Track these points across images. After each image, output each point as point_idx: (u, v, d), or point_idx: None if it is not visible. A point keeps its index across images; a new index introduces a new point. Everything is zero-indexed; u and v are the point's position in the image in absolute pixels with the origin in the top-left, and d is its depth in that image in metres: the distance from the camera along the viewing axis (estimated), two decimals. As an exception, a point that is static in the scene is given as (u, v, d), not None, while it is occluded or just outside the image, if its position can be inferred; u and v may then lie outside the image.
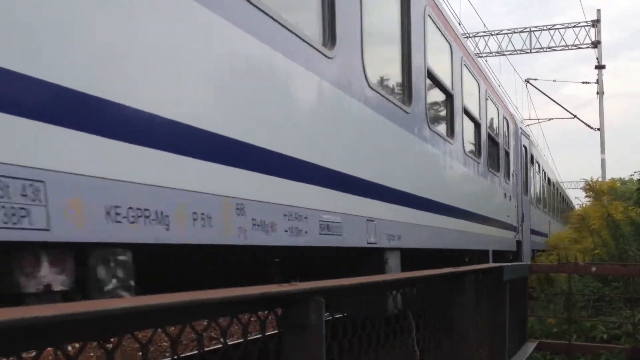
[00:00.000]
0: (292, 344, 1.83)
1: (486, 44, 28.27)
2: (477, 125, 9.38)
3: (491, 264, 4.78)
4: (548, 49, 28.14)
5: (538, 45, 27.91)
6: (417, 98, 6.27)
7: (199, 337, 1.52)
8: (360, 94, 4.83)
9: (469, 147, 8.82)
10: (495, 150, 10.69)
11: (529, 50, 27.91)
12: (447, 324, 3.73)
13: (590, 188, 11.56)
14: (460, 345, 3.74)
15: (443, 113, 7.74)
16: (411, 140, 6.13)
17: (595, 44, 27.70)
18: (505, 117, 12.06)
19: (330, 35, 4.37)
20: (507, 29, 28.33)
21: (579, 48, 28.04)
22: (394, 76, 6.04)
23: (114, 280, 2.45)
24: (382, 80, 5.64)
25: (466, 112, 8.55)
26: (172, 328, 1.48)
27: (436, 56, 7.11)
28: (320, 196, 4.10)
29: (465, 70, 8.51)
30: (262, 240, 3.34)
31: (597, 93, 28.47)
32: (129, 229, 2.43)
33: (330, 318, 2.13)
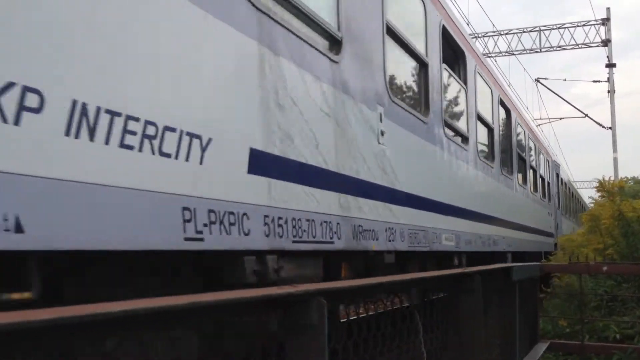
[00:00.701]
0: (294, 345, 1.84)
1: (495, 44, 28.20)
2: (535, 172, 14.43)
3: (499, 265, 4.77)
4: (558, 48, 28.01)
5: (548, 45, 27.79)
6: (497, 159, 9.71)
7: (204, 339, 1.54)
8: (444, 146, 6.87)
9: (534, 187, 14.21)
10: (542, 184, 15.82)
11: (538, 50, 27.79)
12: (455, 325, 3.73)
13: (603, 187, 11.49)
14: (468, 346, 3.74)
15: (515, 167, 11.57)
16: (499, 186, 9.93)
17: (606, 42, 27.53)
18: (548, 160, 17.33)
19: (425, 107, 6.20)
20: (517, 29, 28.23)
21: (589, 47, 27.89)
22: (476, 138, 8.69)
23: None
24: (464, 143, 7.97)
25: (532, 168, 14.09)
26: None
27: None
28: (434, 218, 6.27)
29: (530, 141, 13.95)
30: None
31: (608, 91, 28.29)
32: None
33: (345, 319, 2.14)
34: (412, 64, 6.16)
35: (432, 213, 6.12)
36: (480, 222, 8.29)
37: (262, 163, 3.08)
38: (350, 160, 4.20)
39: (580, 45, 27.77)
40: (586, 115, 31.48)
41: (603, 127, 29.92)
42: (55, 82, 2.05)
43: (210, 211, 2.58)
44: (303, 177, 3.49)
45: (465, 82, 8.01)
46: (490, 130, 9.54)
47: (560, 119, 44.09)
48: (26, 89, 1.93)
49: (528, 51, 27.77)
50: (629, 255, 9.21)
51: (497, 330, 4.78)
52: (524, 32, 27.91)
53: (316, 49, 3.84)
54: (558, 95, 32.45)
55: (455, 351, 3.72)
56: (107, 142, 2.20)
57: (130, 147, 2.29)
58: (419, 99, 6.29)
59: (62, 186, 1.99)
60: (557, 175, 20.48)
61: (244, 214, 2.81)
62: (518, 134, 12.28)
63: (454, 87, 7.75)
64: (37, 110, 1.96)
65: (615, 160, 28.01)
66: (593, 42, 27.66)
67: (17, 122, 1.89)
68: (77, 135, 2.09)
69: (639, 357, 6.12)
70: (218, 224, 2.60)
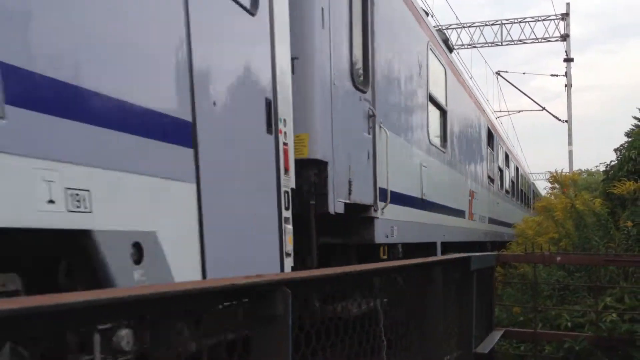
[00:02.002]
0: (259, 335, 1.86)
1: (458, 36, 28.50)
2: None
3: (458, 255, 4.87)
4: (519, 42, 28.46)
5: (509, 38, 28.22)
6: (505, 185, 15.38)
7: (168, 329, 1.54)
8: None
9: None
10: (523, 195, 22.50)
11: (500, 43, 28.20)
12: (416, 314, 3.80)
13: (555, 179, 11.82)
14: (428, 334, 3.82)
15: (516, 191, 18.36)
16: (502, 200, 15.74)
17: (564, 37, 28.08)
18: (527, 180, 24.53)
19: (443, 140, 9.40)
20: (479, 22, 28.59)
21: (549, 41, 28.42)
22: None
23: None
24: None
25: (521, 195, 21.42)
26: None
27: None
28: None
29: (522, 179, 22.37)
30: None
31: (566, 85, 28.90)
32: None
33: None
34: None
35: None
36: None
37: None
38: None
39: (540, 40, 28.28)
40: (544, 108, 32.15)
41: (560, 120, 30.59)
42: None
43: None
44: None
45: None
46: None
47: (519, 111, 44.89)
48: None
49: (490, 44, 28.16)
50: (580, 246, 9.49)
51: (455, 318, 4.88)
52: (486, 25, 28.27)
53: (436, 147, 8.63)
54: (517, 89, 33.09)
55: (415, 339, 3.79)
56: None
57: None
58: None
59: None
60: (533, 185, 23.86)
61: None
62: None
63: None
64: None
65: (570, 152, 28.70)
66: (552, 37, 28.19)
67: None
68: None
69: (590, 345, 6.33)
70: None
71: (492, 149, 15.50)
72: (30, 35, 2.33)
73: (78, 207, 2.39)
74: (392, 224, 6.94)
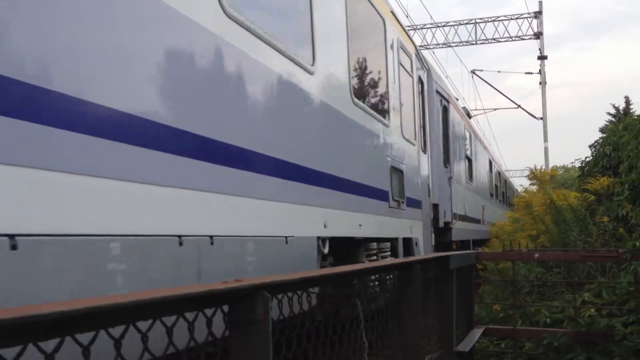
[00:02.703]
0: (239, 340, 1.83)
1: (433, 36, 28.68)
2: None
3: (438, 253, 4.88)
4: (493, 41, 28.73)
5: (483, 37, 28.47)
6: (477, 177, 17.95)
7: (144, 338, 1.51)
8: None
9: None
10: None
11: (474, 42, 28.44)
12: (396, 313, 3.80)
13: (534, 176, 11.99)
14: (408, 333, 3.81)
15: (505, 197, 24.61)
16: (498, 208, 23.22)
17: (538, 35, 28.42)
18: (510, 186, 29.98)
19: (470, 177, 15.83)
20: (454, 21, 28.81)
21: (522, 39, 28.74)
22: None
23: None
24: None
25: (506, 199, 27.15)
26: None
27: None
28: None
29: (508, 187, 28.65)
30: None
31: (540, 83, 29.24)
32: None
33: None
34: None
35: None
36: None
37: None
38: None
39: (513, 38, 28.57)
40: (519, 106, 32.47)
41: (535, 117, 30.94)
42: None
43: None
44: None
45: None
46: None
47: (495, 109, 45.33)
48: None
49: (464, 43, 28.38)
50: (559, 241, 9.59)
51: (435, 316, 4.89)
52: (461, 24, 28.49)
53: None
54: (492, 87, 33.41)
55: (396, 339, 3.79)
56: None
57: None
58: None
59: None
60: (499, 174, 25.21)
61: None
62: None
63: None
64: None
65: (546, 149, 29.05)
66: (526, 35, 28.51)
67: None
68: None
69: (569, 341, 6.38)
70: None
71: (492, 172, 22.06)
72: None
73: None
74: (456, 230, 12.46)
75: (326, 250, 5.02)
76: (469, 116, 17.79)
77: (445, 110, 12.41)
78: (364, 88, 6.55)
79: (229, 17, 3.71)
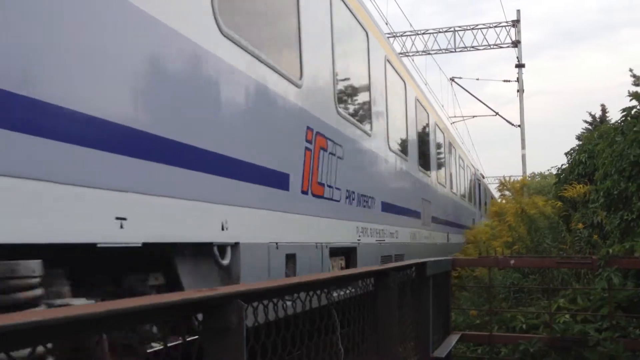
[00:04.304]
0: (213, 348, 1.85)
1: (413, 43, 28.88)
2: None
3: (414, 260, 4.92)
4: (471, 49, 29.01)
5: (462, 45, 28.74)
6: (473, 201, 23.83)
7: (119, 346, 1.52)
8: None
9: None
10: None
11: (453, 50, 28.69)
12: (372, 320, 3.83)
13: (504, 186, 12.17)
14: (385, 340, 3.85)
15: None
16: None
17: (516, 44, 28.75)
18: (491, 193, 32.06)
19: (472, 200, 22.84)
20: (433, 29, 29.05)
21: (500, 47, 29.04)
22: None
23: None
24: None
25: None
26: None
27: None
28: None
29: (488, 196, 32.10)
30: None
31: (518, 91, 29.55)
32: None
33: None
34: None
35: None
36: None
37: None
38: None
39: (492, 46, 28.88)
40: (497, 113, 32.77)
41: (512, 124, 31.25)
42: None
43: None
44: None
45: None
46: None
47: (473, 117, 45.62)
48: None
49: (443, 51, 28.63)
50: (533, 249, 9.71)
51: (412, 323, 4.93)
52: (440, 32, 28.74)
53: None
54: (471, 94, 33.81)
55: (372, 346, 3.82)
56: None
57: None
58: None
59: None
60: (480, 185, 27.47)
61: None
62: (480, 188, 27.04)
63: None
64: None
65: (523, 156, 29.34)
66: (504, 43, 28.83)
67: None
68: None
69: (544, 346, 6.47)
70: None
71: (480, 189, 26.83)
72: None
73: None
74: None
75: None
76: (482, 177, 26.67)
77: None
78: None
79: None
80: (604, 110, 40.23)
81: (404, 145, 10.10)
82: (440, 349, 5.79)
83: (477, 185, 25.58)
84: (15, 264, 2.60)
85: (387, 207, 8.90)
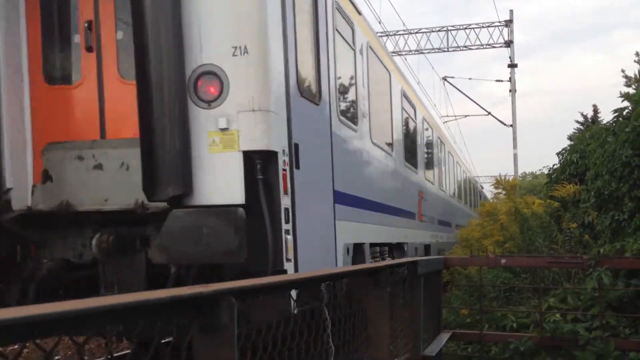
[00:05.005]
0: (204, 346, 1.84)
1: (406, 43, 28.91)
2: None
3: (406, 259, 4.92)
4: (464, 48, 29.08)
5: (455, 44, 28.80)
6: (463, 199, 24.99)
7: (108, 344, 1.51)
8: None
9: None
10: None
11: (446, 49, 28.74)
12: (363, 318, 3.83)
13: (500, 184, 12.22)
14: (375, 338, 3.85)
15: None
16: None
17: (508, 43, 28.84)
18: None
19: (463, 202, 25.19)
20: (426, 28, 29.07)
21: (493, 47, 29.12)
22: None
23: None
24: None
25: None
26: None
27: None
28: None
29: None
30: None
31: (510, 91, 29.67)
32: None
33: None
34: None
35: None
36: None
37: None
38: None
39: (485, 46, 28.95)
40: (489, 113, 32.90)
41: (505, 124, 31.37)
42: None
43: None
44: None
45: None
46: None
47: (465, 116, 45.71)
48: None
49: (436, 50, 28.67)
50: (525, 248, 9.74)
51: (403, 321, 4.94)
52: (433, 31, 28.77)
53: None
54: (463, 93, 33.86)
55: (363, 343, 3.82)
56: None
57: None
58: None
59: None
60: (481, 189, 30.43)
61: None
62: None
63: None
64: None
65: (515, 156, 29.47)
66: (497, 43, 28.91)
67: None
68: None
69: (534, 345, 6.49)
70: None
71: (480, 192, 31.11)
72: None
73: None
74: None
75: None
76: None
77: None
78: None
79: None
80: (595, 110, 40.39)
81: (459, 194, 21.34)
82: (431, 347, 5.80)
83: (479, 193, 31.03)
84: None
85: (442, 223, 16.23)
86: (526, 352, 6.47)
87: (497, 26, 28.76)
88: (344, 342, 3.44)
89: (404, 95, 11.42)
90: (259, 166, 4.98)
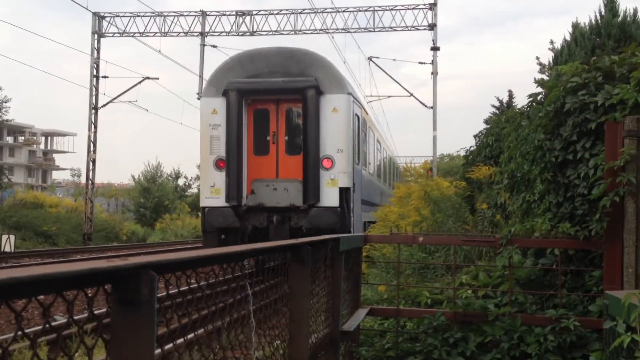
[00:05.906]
0: (122, 320, 1.79)
1: (333, 21, 28.94)
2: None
3: (328, 236, 4.96)
4: (389, 29, 29.42)
5: (381, 25, 29.07)
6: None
7: (18, 317, 1.44)
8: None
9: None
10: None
11: (372, 29, 28.98)
12: (285, 294, 3.84)
13: (407, 170, 12.58)
14: (296, 313, 3.87)
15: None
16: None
17: (432, 27, 29.39)
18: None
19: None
20: (353, 7, 29.20)
21: (417, 29, 29.62)
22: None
23: None
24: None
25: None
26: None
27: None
28: None
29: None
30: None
31: (432, 73, 30.30)
32: None
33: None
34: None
35: None
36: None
37: None
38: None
39: (409, 28, 29.39)
40: (411, 94, 33.46)
41: (426, 106, 32.04)
42: None
43: None
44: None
45: None
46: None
47: (389, 97, 46.43)
48: None
49: (362, 30, 28.85)
50: (437, 228, 10.04)
51: (323, 297, 4.99)
52: (360, 11, 28.93)
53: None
54: (387, 74, 34.08)
55: (284, 318, 3.83)
56: None
57: None
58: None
59: None
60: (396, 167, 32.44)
61: None
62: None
63: None
64: None
65: (434, 137, 30.20)
66: (421, 26, 29.40)
67: None
68: None
69: (447, 320, 6.72)
70: None
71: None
72: None
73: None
74: None
75: None
76: None
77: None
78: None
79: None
80: (510, 95, 41.89)
81: (383, 175, 25.71)
82: (349, 322, 5.90)
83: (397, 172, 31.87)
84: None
85: (367, 203, 19.99)
86: (439, 326, 6.69)
87: (422, 9, 29.23)
88: (265, 317, 3.44)
89: (377, 141, 21.83)
90: (344, 192, 13.55)
